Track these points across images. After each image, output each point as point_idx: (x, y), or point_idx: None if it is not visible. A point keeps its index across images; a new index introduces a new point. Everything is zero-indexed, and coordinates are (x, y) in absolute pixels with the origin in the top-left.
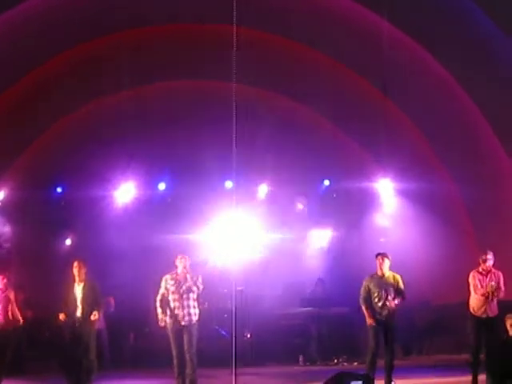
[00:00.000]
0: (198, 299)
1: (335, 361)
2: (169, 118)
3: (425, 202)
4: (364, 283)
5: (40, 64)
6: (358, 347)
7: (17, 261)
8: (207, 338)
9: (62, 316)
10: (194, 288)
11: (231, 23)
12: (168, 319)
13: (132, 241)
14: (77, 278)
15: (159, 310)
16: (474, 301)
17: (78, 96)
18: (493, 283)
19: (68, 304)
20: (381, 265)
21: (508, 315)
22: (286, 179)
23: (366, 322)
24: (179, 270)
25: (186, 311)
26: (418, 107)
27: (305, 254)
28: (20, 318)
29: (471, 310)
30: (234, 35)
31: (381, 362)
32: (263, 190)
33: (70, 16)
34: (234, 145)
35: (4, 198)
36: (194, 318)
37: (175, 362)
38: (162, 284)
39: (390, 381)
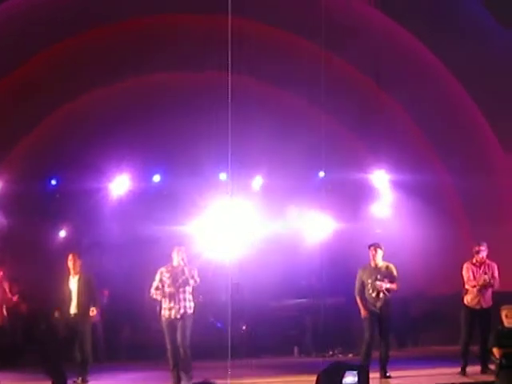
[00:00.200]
0: (193, 292)
1: (330, 352)
2: (164, 109)
3: (420, 193)
4: (358, 274)
5: (33, 55)
6: (354, 339)
7: (11, 253)
8: (203, 330)
9: (57, 313)
10: (191, 281)
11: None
12: (162, 312)
13: (127, 233)
14: (72, 271)
15: (159, 298)
16: (467, 291)
17: (72, 88)
18: (485, 276)
19: (63, 297)
20: (374, 256)
21: (503, 306)
22: (280, 171)
23: (360, 313)
24: (175, 262)
25: (181, 304)
26: (414, 99)
27: (300, 246)
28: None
29: (465, 301)
30: (229, 26)
31: (376, 354)
32: (258, 181)
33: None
34: (229, 137)
35: None
36: (189, 311)
37: (169, 354)
38: (157, 277)
39: (385, 372)
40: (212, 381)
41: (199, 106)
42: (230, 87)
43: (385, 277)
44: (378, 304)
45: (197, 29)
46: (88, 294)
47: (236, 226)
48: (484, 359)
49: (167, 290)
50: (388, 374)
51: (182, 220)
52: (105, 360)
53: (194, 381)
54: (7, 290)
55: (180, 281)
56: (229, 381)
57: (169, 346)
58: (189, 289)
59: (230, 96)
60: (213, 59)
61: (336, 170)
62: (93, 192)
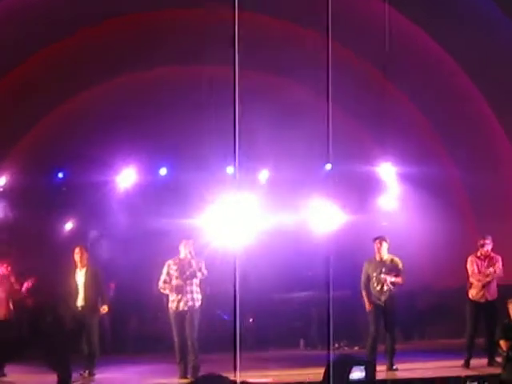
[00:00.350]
0: (200, 284)
1: (336, 345)
2: (170, 103)
3: (426, 186)
4: (363, 267)
5: (40, 48)
6: (359, 332)
7: (18, 247)
8: (209, 322)
9: (63, 306)
10: (199, 274)
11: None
12: (170, 304)
13: (133, 226)
14: (79, 264)
15: (167, 292)
16: (472, 285)
17: (79, 83)
18: (490, 269)
19: (70, 290)
20: (379, 249)
21: (510, 299)
22: (287, 164)
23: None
24: (182, 254)
25: (189, 296)
26: (420, 91)
27: (306, 239)
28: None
29: (470, 294)
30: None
31: (382, 347)
32: (264, 174)
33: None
34: (236, 130)
35: (5, 183)
36: (197, 304)
37: (177, 347)
38: (165, 270)
39: (392, 365)
40: (218, 374)
41: (205, 99)
42: (237, 81)
43: (390, 270)
44: (383, 297)
45: (199, 22)
46: (95, 287)
47: (242, 220)
48: (491, 352)
49: (174, 282)
50: (395, 367)
51: (189, 213)
52: (112, 352)
53: (201, 373)
54: (14, 283)
55: (187, 273)
56: (237, 373)
57: (176, 339)
58: (196, 281)
59: (237, 90)
60: (216, 52)
61: (342, 162)
62: (99, 185)
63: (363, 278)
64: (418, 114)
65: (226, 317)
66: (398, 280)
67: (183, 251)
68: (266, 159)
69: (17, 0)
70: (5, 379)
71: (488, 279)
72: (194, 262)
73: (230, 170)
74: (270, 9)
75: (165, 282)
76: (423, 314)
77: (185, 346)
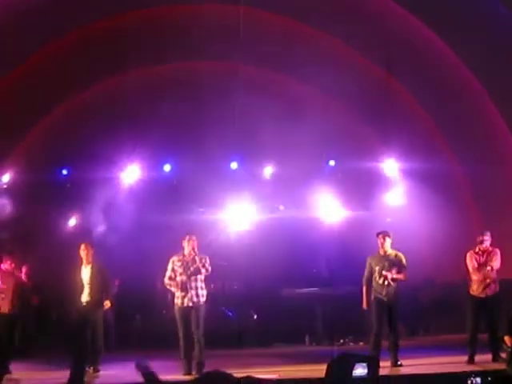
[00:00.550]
0: (205, 280)
1: (341, 341)
2: (175, 99)
3: (430, 181)
4: (367, 262)
5: (45, 44)
6: (364, 327)
7: (23, 243)
8: (213, 318)
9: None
10: (203, 270)
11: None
12: (175, 300)
13: (138, 222)
14: (84, 261)
15: (173, 289)
16: (472, 280)
17: (83, 79)
18: (488, 268)
19: (75, 286)
20: (382, 244)
21: None
22: (291, 160)
23: (371, 302)
24: (186, 251)
25: (193, 292)
26: (424, 87)
27: (311, 235)
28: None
29: (470, 289)
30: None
31: (385, 343)
32: (268, 170)
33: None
34: (239, 126)
35: (9, 180)
36: (202, 300)
37: (182, 343)
38: (169, 266)
39: (397, 361)
40: (223, 370)
41: (210, 95)
42: (240, 77)
43: (393, 264)
44: (384, 292)
45: (205, 19)
46: (100, 284)
47: (246, 215)
48: (495, 347)
49: (179, 278)
50: (399, 363)
51: (193, 209)
52: (116, 349)
53: (206, 370)
54: (24, 276)
55: (191, 269)
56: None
57: (181, 335)
58: (200, 277)
59: (240, 86)
60: (224, 49)
61: (346, 158)
62: (104, 182)
63: (366, 272)
64: (422, 110)
65: (230, 313)
66: (400, 276)
67: (187, 247)
68: (270, 154)
69: None
70: (10, 377)
71: (488, 281)
72: (197, 258)
73: (234, 165)
74: (275, 6)
75: (170, 278)
76: (427, 308)
77: (189, 342)
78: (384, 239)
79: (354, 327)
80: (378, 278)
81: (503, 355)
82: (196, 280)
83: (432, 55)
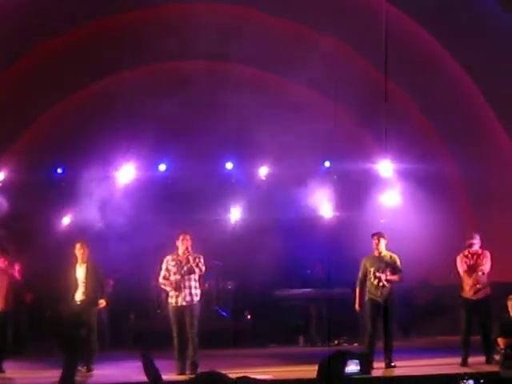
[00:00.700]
0: (199, 280)
1: (335, 342)
2: (170, 98)
3: (425, 183)
4: (361, 263)
5: (42, 42)
6: (359, 328)
7: (17, 242)
8: (207, 318)
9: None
10: (196, 270)
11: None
12: (169, 299)
13: (132, 221)
14: (79, 260)
15: (168, 288)
16: (464, 283)
17: (79, 78)
18: (480, 273)
19: (69, 285)
20: (377, 245)
21: (510, 296)
22: (286, 161)
23: (365, 303)
24: (180, 250)
25: (187, 291)
26: (421, 90)
27: (305, 235)
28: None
29: (462, 292)
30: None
31: (380, 344)
32: (264, 170)
33: None
34: (235, 126)
35: (4, 178)
36: (196, 299)
37: (176, 342)
38: (163, 266)
39: (390, 362)
40: (218, 371)
41: (206, 95)
42: (236, 79)
43: (388, 266)
44: (379, 293)
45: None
46: (95, 283)
47: (242, 215)
48: (488, 350)
49: (173, 277)
50: (392, 364)
51: (188, 209)
52: (110, 348)
53: (200, 370)
54: (17, 274)
55: (185, 269)
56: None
57: (175, 334)
58: (194, 276)
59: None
60: (219, 48)
61: (342, 159)
62: (99, 181)
63: (360, 273)
64: (418, 111)
65: (223, 313)
66: (395, 278)
67: (181, 247)
68: (265, 155)
69: None
70: (3, 376)
71: (479, 286)
72: (191, 258)
73: (229, 165)
74: (270, 8)
75: (164, 277)
76: (421, 309)
77: (183, 342)
78: (379, 240)
79: (349, 328)
80: (372, 280)
81: (497, 357)
82: (190, 279)
83: (429, 57)
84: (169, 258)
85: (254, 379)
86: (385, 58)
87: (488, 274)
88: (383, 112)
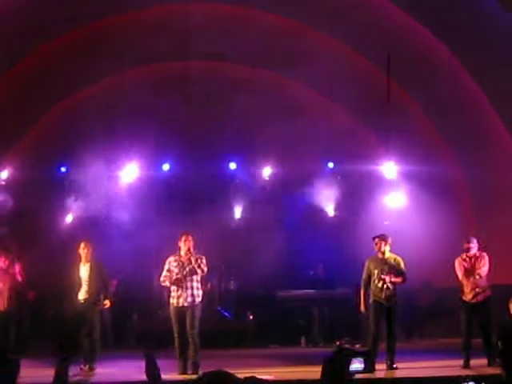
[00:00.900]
0: (201, 280)
1: (337, 343)
2: (173, 98)
3: (429, 184)
4: (365, 265)
5: (44, 42)
6: (361, 329)
7: (21, 240)
8: (210, 319)
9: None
10: (198, 271)
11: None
12: (171, 300)
13: (136, 221)
14: (83, 259)
15: (167, 283)
16: (463, 286)
17: (83, 76)
18: (477, 277)
19: (73, 284)
20: (379, 247)
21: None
22: (290, 161)
23: (369, 305)
24: (183, 251)
25: (189, 292)
26: (425, 91)
27: (308, 236)
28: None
29: (462, 295)
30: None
31: (382, 346)
32: (267, 171)
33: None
34: (238, 126)
35: (8, 177)
36: (197, 300)
37: (177, 342)
38: (166, 266)
39: (392, 364)
40: (225, 370)
41: (209, 95)
42: (240, 78)
43: (392, 268)
44: (383, 295)
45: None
46: (98, 283)
47: (245, 215)
48: (489, 352)
49: (175, 278)
50: (394, 366)
51: (191, 209)
52: (112, 348)
53: (202, 370)
54: (17, 275)
55: (187, 269)
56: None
57: (176, 334)
58: (196, 277)
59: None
60: (223, 48)
61: (345, 160)
62: (102, 180)
63: (364, 275)
64: (421, 113)
65: (226, 313)
66: (399, 280)
67: (183, 247)
68: (269, 156)
69: None
70: None
71: (478, 290)
72: (193, 259)
73: (232, 165)
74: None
75: (165, 277)
76: (424, 311)
77: (185, 342)
78: (381, 243)
79: (351, 329)
80: (376, 281)
81: (499, 360)
82: (192, 280)
83: (433, 59)
84: (171, 258)
85: (261, 379)
86: (387, 58)
87: (488, 275)
88: (387, 114)
